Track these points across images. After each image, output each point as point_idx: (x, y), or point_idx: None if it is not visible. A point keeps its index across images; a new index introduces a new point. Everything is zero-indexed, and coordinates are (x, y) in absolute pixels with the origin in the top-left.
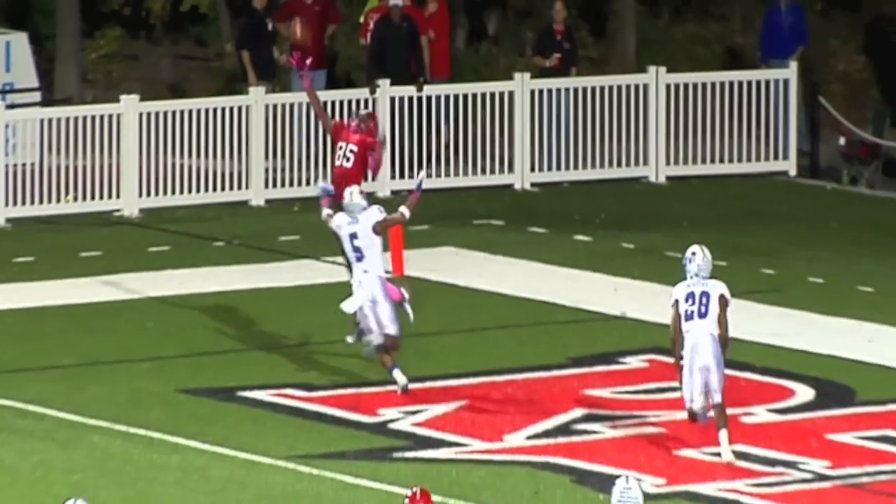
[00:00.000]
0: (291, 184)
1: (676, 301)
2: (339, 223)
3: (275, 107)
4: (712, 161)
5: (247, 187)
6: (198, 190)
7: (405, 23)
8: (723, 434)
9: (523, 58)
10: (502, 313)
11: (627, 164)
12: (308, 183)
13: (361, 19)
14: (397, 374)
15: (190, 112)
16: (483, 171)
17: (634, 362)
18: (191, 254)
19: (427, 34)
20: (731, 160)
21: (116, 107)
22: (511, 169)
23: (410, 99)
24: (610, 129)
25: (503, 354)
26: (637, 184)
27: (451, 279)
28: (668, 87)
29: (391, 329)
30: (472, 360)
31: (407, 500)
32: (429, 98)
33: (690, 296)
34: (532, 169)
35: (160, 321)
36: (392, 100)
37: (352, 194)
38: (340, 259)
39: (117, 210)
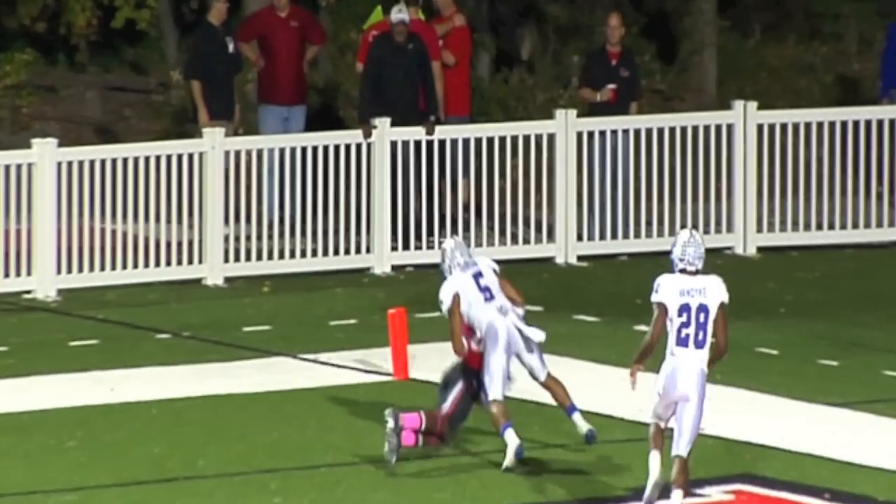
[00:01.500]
0: (259, 256)
1: (664, 307)
2: (455, 278)
3: (237, 154)
4: (819, 227)
5: (200, 261)
6: (135, 265)
7: (412, 43)
8: (677, 496)
9: (567, 90)
10: (541, 429)
11: (706, 231)
12: (281, 255)
13: (366, 27)
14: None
15: (124, 161)
16: (514, 241)
17: (716, 494)
18: (126, 350)
19: (441, 58)
20: (843, 226)
21: (27, 154)
22: (551, 237)
23: (418, 144)
24: (682, 183)
25: (544, 483)
26: (719, 256)
27: None
28: (759, 128)
29: (542, 374)
30: (505, 490)
31: None
32: (442, 143)
33: (685, 309)
34: (579, 237)
35: (86, 439)
36: (393, 145)
37: (457, 242)
38: (329, 357)
39: (28, 291)
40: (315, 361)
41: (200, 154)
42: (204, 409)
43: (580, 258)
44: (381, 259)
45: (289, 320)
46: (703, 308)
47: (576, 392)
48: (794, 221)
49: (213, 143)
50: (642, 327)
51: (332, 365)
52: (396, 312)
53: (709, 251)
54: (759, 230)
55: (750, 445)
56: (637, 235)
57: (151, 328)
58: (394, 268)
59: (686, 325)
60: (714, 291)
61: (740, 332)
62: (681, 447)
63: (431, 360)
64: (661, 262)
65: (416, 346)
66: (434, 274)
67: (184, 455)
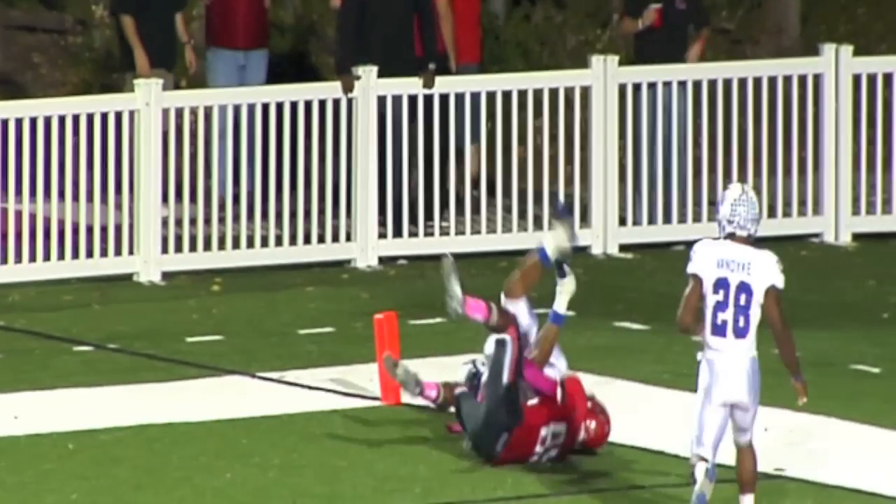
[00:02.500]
0: (208, 246)
1: (698, 279)
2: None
3: (178, 113)
4: None
5: (131, 251)
6: (46, 256)
7: None
8: (748, 501)
9: (607, 30)
10: (570, 468)
11: (787, 214)
12: (236, 244)
13: None
14: None
15: (32, 122)
16: (537, 225)
17: None
18: (35, 366)
19: None
20: None
21: None
22: (585, 220)
23: (413, 100)
24: (756, 152)
25: None
26: (804, 246)
27: None
28: (855, 79)
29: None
30: None
31: None
32: (444, 98)
33: (722, 285)
34: (621, 221)
35: None
36: (381, 101)
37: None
38: (297, 376)
39: None
40: (279, 381)
41: (131, 113)
42: (136, 444)
43: (623, 248)
44: (366, 249)
45: (245, 329)
46: (744, 287)
47: (619, 421)
48: None
49: (148, 98)
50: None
51: (302, 386)
52: (385, 318)
53: (789, 239)
54: (856, 212)
55: (844, 491)
56: (696, 219)
57: (68, 338)
58: (381, 260)
59: (722, 306)
60: (762, 270)
61: (831, 344)
62: (744, 438)
63: (429, 380)
64: None
65: (410, 360)
66: (432, 268)
67: (110, 503)
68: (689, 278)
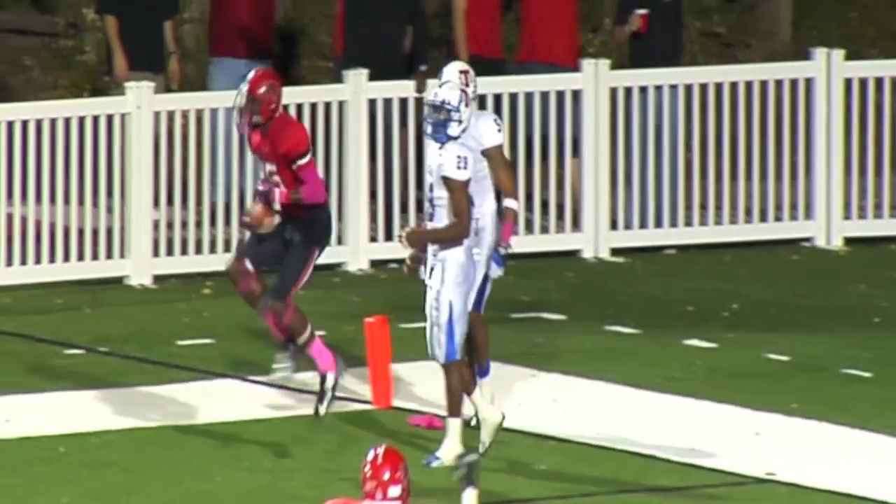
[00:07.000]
0: (199, 249)
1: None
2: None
3: (170, 117)
4: None
5: (122, 255)
6: (37, 260)
7: None
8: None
9: (598, 34)
10: (561, 472)
11: (778, 219)
12: (227, 248)
13: None
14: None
15: (24, 125)
16: (529, 229)
17: None
18: (25, 369)
19: None
20: None
21: None
22: (576, 225)
23: (404, 102)
24: (747, 156)
25: None
26: (796, 250)
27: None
28: (847, 83)
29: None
30: None
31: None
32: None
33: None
34: (612, 225)
35: None
36: (371, 104)
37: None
38: (278, 372)
39: None
40: (270, 385)
41: (123, 116)
42: (126, 447)
43: (614, 252)
44: (357, 253)
45: (236, 332)
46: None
47: (607, 425)
48: (892, 205)
49: (140, 101)
50: (694, 341)
51: (292, 389)
52: (376, 322)
53: (780, 243)
54: (847, 216)
55: (835, 495)
56: (688, 223)
57: (58, 341)
58: (373, 264)
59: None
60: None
61: (823, 348)
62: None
63: (420, 384)
64: (722, 258)
65: (401, 364)
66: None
67: None
68: (462, 185)
